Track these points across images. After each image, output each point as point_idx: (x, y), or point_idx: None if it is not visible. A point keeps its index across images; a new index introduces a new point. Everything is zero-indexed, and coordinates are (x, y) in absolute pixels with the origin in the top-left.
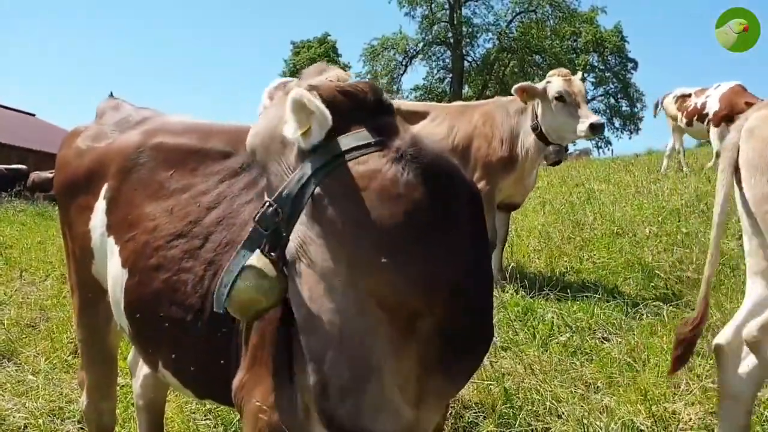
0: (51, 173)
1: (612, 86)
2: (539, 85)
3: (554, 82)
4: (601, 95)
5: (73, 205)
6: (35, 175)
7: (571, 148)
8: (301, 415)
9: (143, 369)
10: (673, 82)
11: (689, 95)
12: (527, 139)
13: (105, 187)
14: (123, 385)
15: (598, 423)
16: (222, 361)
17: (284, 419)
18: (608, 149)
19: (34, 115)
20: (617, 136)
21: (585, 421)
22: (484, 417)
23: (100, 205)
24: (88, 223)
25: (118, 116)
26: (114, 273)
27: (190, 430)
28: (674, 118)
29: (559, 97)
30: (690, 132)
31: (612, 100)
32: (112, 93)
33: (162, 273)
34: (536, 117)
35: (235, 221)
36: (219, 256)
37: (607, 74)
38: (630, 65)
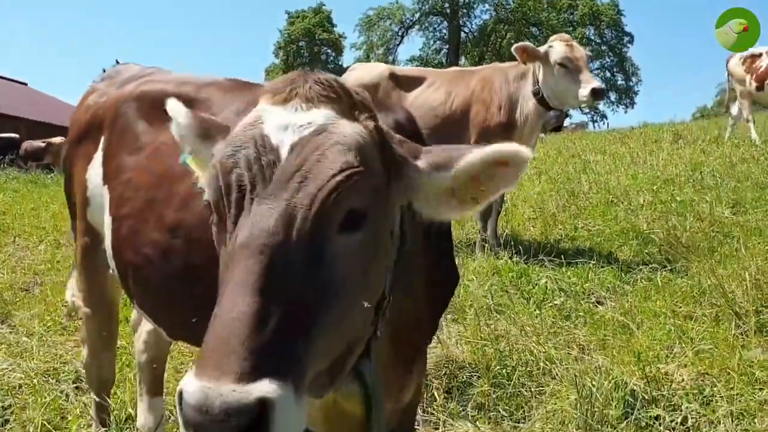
0: (43, 143)
1: (608, 60)
2: (541, 49)
3: (556, 47)
4: (597, 69)
5: (77, 156)
6: (27, 144)
7: (567, 121)
8: None
9: (145, 326)
10: (669, 56)
11: (759, 55)
12: (527, 105)
13: (102, 138)
14: (118, 347)
15: (591, 383)
16: (186, 308)
17: None
18: (604, 122)
19: (26, 84)
20: (612, 109)
21: (578, 381)
22: (478, 377)
23: (98, 156)
24: (86, 173)
25: (126, 75)
26: (106, 220)
27: None
28: (742, 82)
29: (562, 63)
30: (760, 98)
31: (608, 74)
32: (117, 60)
33: (129, 221)
34: (537, 82)
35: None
36: (181, 213)
37: (603, 48)
38: (626, 39)
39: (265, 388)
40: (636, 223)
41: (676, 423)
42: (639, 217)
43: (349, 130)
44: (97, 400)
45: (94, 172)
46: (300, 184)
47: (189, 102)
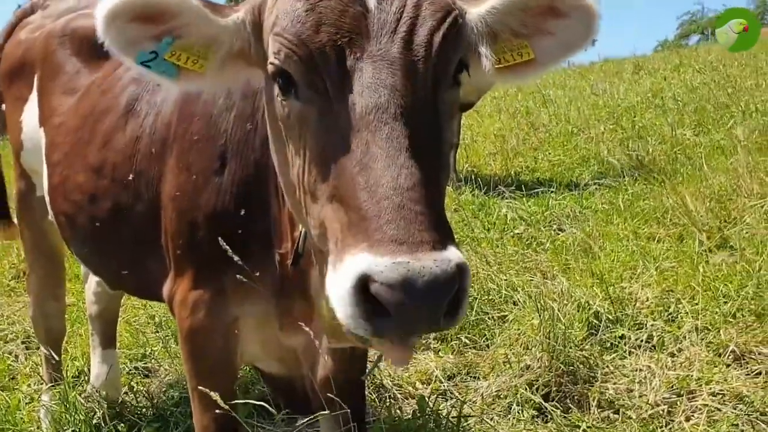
0: None
1: None
2: None
3: None
4: None
5: (9, 96)
6: None
7: None
8: (228, 321)
9: (95, 276)
10: None
11: None
12: None
13: (36, 78)
14: (69, 304)
15: (554, 305)
16: (118, 254)
17: (208, 320)
18: None
19: None
20: None
21: (540, 305)
22: None
23: (33, 97)
24: (20, 115)
25: (63, 6)
26: (44, 166)
27: (140, 342)
28: None
29: None
30: None
31: None
32: None
33: (59, 167)
34: None
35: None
36: (104, 151)
37: None
38: None
39: (457, 254)
40: (596, 151)
41: (641, 341)
42: (599, 145)
43: None
44: (47, 353)
45: (29, 113)
46: (409, 34)
47: None
